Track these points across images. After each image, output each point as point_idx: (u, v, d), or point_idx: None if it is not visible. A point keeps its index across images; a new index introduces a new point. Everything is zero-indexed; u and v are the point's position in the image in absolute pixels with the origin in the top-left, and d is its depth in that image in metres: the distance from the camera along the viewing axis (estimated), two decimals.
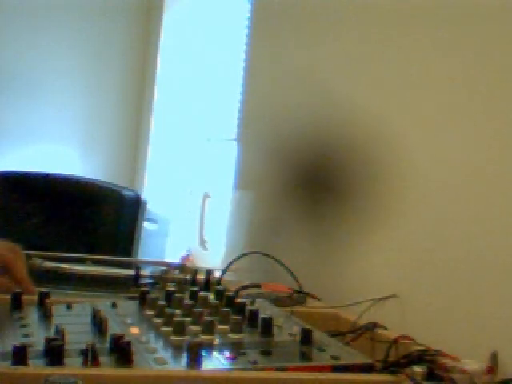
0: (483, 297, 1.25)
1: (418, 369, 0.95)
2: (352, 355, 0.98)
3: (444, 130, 1.42)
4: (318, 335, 1.04)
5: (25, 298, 1.21)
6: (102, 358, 0.88)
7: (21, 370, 0.83)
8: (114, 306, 1.21)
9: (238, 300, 1.20)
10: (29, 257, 1.61)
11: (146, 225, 2.73)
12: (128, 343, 0.89)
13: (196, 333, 1.02)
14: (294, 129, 2.04)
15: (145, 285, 1.52)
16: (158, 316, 1.10)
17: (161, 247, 3.16)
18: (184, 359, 0.90)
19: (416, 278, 1.43)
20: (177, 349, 0.96)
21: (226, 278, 1.55)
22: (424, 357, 1.02)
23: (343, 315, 1.36)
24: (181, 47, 3.64)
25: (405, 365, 0.98)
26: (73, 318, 1.13)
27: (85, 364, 0.86)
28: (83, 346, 0.88)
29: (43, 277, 1.54)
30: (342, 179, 1.75)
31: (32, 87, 3.65)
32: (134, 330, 1.06)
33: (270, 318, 1.07)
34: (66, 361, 0.87)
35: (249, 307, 1.15)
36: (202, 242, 2.22)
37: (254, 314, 1.10)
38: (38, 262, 1.61)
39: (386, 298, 1.42)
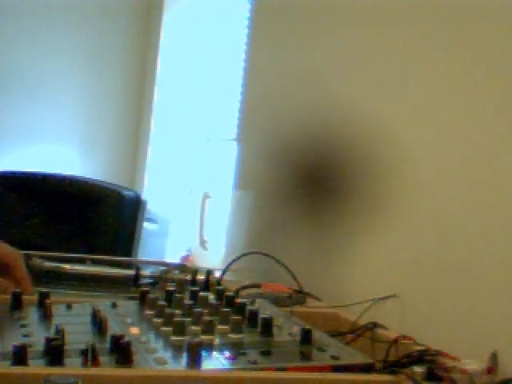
0: (483, 297, 1.25)
1: (418, 369, 0.95)
2: (352, 355, 0.98)
3: (444, 130, 1.42)
4: (318, 335, 1.04)
5: (25, 298, 1.20)
6: (102, 358, 0.88)
7: (21, 369, 0.83)
8: (114, 305, 1.21)
9: (238, 300, 1.20)
10: (29, 257, 1.61)
11: (146, 225, 2.73)
12: (128, 343, 0.89)
13: (196, 333, 1.02)
14: (294, 129, 2.04)
15: (145, 285, 1.52)
16: (158, 316, 1.10)
17: (161, 247, 3.16)
18: (184, 359, 0.90)
19: (416, 278, 1.43)
20: (177, 349, 0.96)
21: (226, 277, 1.55)
22: (424, 357, 1.02)
23: (343, 315, 1.36)
24: (181, 47, 3.64)
25: (405, 365, 0.98)
26: (73, 318, 1.13)
27: (85, 364, 0.86)
28: (83, 346, 0.88)
29: (43, 277, 1.54)
30: (342, 179, 1.75)
31: (32, 87, 3.65)
32: (134, 330, 1.06)
33: (270, 318, 1.06)
34: (66, 361, 0.87)
35: (249, 307, 1.15)
36: (202, 242, 2.22)
37: (253, 314, 1.10)
38: (38, 262, 1.61)
39: (386, 297, 1.42)
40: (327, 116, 1.87)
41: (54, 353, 0.86)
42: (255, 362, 0.92)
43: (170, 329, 1.01)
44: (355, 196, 1.69)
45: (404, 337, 1.12)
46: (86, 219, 2.54)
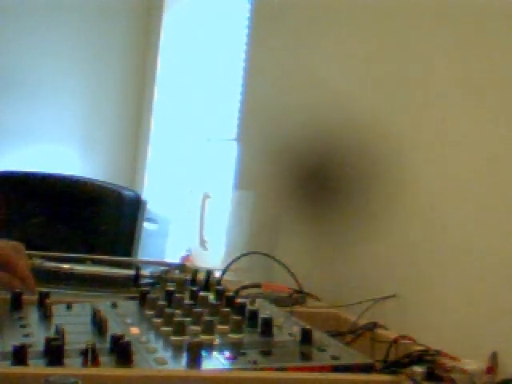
0: (483, 297, 1.25)
1: (418, 369, 0.95)
2: (352, 355, 0.98)
3: (444, 130, 1.42)
4: (318, 335, 1.04)
5: (25, 298, 1.21)
6: (102, 358, 0.88)
7: (21, 369, 0.83)
8: (114, 305, 1.21)
9: (238, 300, 1.20)
10: (29, 257, 1.61)
11: (146, 225, 2.73)
12: (128, 343, 0.89)
13: (196, 333, 1.02)
14: (294, 129, 2.04)
15: (145, 285, 1.52)
16: (158, 316, 1.10)
17: (161, 247, 3.16)
18: (184, 359, 0.90)
19: (416, 278, 1.43)
20: (177, 349, 0.96)
21: (226, 277, 1.55)
22: (424, 357, 1.02)
23: (343, 315, 1.36)
24: (181, 47, 3.64)
25: (405, 365, 0.98)
26: (73, 318, 1.13)
27: (85, 364, 0.86)
28: (83, 346, 0.88)
29: (43, 277, 1.54)
30: (342, 179, 1.75)
31: (32, 87, 3.65)
32: (134, 330, 1.06)
33: (270, 318, 1.07)
34: (65, 361, 0.87)
35: (249, 307, 1.15)
36: (202, 242, 2.22)
37: (253, 314, 1.10)
38: (38, 262, 1.61)
39: (386, 297, 1.42)
40: (327, 116, 1.87)
41: (54, 353, 0.86)
42: (255, 362, 0.92)
43: (169, 329, 1.02)
44: (355, 196, 1.69)
45: (404, 337, 1.12)
46: (86, 219, 2.54)
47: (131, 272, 1.60)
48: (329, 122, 1.85)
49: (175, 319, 1.03)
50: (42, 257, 1.66)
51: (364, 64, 1.74)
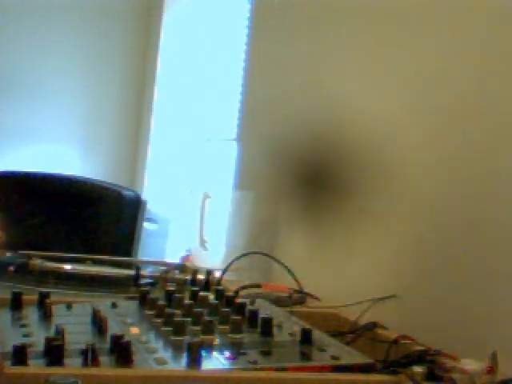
0: (483, 297, 1.25)
1: (418, 369, 0.95)
2: (352, 355, 0.98)
3: (444, 130, 1.42)
4: (317, 335, 1.04)
5: (25, 298, 1.21)
6: (102, 358, 0.88)
7: (21, 369, 0.83)
8: (114, 305, 1.21)
9: (238, 300, 1.20)
10: (29, 257, 1.61)
11: (146, 225, 2.72)
12: (128, 343, 0.89)
13: (196, 333, 1.02)
14: (293, 129, 2.04)
15: (145, 285, 1.52)
16: (157, 316, 1.10)
17: (161, 247, 3.16)
18: (184, 359, 0.90)
19: (416, 278, 1.43)
20: (177, 349, 0.96)
21: (226, 277, 1.55)
22: (424, 357, 1.02)
23: (343, 315, 1.36)
24: (181, 47, 3.64)
25: (405, 365, 0.98)
26: (73, 318, 1.13)
27: (85, 364, 0.86)
28: (83, 346, 0.88)
29: (43, 277, 1.54)
30: (342, 179, 1.75)
31: (32, 87, 3.65)
32: (134, 330, 1.06)
33: (270, 318, 1.07)
34: (66, 361, 0.87)
35: (249, 307, 1.15)
36: (202, 242, 2.22)
37: (253, 314, 1.10)
38: (38, 262, 1.61)
39: (386, 298, 1.42)
40: (327, 116, 1.87)
41: (54, 353, 0.86)
42: (255, 362, 0.92)
43: (169, 329, 1.02)
44: (355, 196, 1.69)
45: (404, 337, 1.12)
46: (85, 219, 2.54)
47: (131, 272, 1.60)
48: (328, 122, 1.85)
49: (175, 319, 1.03)
50: (42, 257, 1.66)
51: (363, 64, 1.74)
